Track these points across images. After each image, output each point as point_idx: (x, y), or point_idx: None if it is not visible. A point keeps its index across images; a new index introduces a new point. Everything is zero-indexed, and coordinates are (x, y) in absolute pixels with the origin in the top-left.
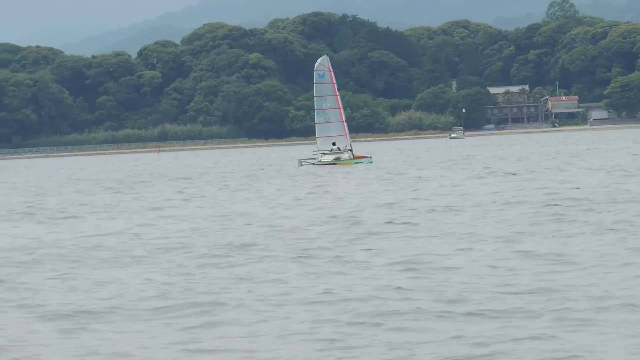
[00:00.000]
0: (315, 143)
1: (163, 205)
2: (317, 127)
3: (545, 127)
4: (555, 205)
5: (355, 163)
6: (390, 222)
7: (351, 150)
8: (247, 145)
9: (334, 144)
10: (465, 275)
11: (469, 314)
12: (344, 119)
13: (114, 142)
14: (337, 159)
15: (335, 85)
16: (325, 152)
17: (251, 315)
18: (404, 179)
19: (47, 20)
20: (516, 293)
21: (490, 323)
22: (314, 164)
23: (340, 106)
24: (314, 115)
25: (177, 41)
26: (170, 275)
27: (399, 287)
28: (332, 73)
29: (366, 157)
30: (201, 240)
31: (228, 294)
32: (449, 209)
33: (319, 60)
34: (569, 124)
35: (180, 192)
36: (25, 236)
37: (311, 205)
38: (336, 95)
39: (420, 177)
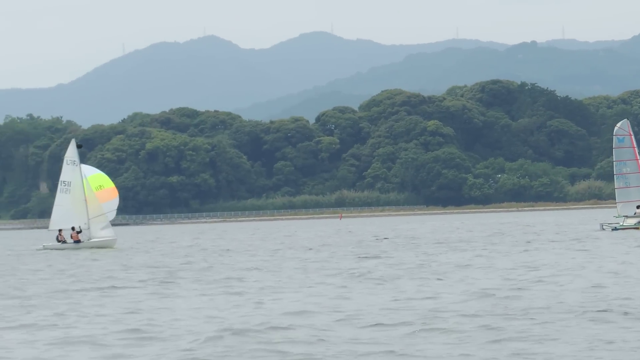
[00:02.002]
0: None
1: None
2: (616, 192)
3: None
4: None
5: None
6: None
7: None
8: (425, 212)
9: (638, 207)
10: None
11: None
12: None
13: (291, 208)
14: None
15: (637, 149)
16: (628, 216)
17: None
18: None
19: (217, 86)
20: None
21: None
22: (616, 228)
23: None
24: (492, 183)
25: (352, 107)
26: None
27: None
28: (633, 137)
29: None
30: None
31: None
32: None
33: (618, 125)
34: None
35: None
36: None
37: None
38: (637, 159)
39: None
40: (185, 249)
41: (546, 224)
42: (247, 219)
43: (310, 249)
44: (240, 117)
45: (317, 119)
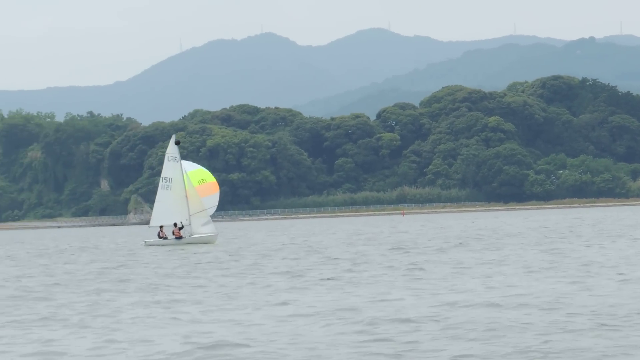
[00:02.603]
0: None
1: None
2: None
3: None
4: None
5: None
6: None
7: None
8: (486, 209)
9: None
10: None
11: None
12: None
13: (352, 205)
14: None
15: None
16: None
17: None
18: None
19: (275, 83)
20: None
21: None
22: None
23: None
24: (553, 179)
25: (411, 103)
26: None
27: None
28: None
29: None
30: None
31: None
32: None
33: None
34: None
35: None
36: None
37: None
38: None
39: None
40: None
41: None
42: (307, 215)
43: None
44: (300, 113)
45: (378, 116)
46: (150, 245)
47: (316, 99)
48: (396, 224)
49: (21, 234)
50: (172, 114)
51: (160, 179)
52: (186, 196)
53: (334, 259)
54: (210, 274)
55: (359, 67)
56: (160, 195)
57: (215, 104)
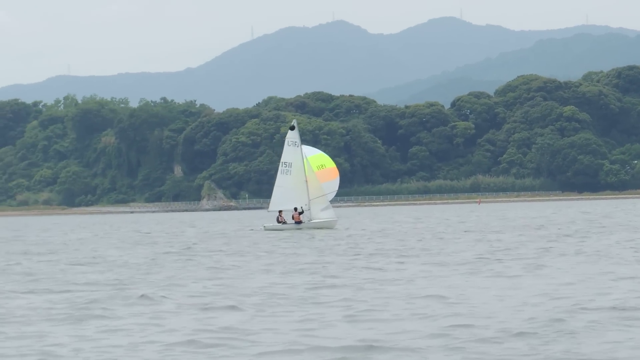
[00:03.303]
0: None
1: None
2: None
3: None
4: None
5: None
6: None
7: None
8: (560, 198)
9: None
10: None
11: None
12: None
13: (426, 193)
14: None
15: None
16: None
17: None
18: None
19: (346, 71)
20: None
21: None
22: None
23: None
24: (628, 169)
25: (486, 92)
26: None
27: None
28: None
29: None
30: None
31: None
32: None
33: None
34: None
35: None
36: None
37: None
38: None
39: None
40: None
41: None
42: (381, 203)
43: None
44: (375, 101)
45: (453, 104)
46: (269, 229)
47: (387, 87)
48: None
49: (114, 218)
50: (242, 101)
51: (280, 163)
52: (306, 181)
53: None
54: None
55: (430, 56)
56: (280, 180)
57: (284, 91)
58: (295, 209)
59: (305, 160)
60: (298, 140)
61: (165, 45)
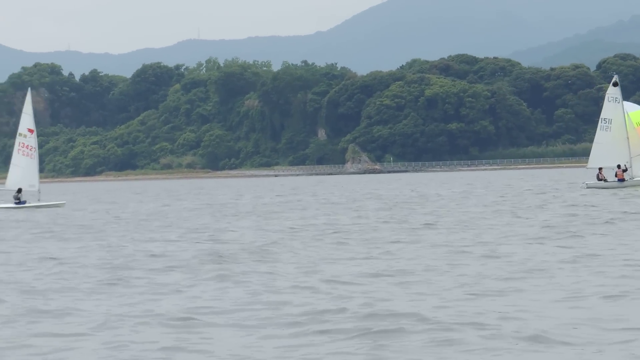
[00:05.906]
0: None
1: None
2: None
3: None
4: None
5: None
6: None
7: None
8: None
9: None
10: None
11: None
12: None
13: (572, 156)
14: None
15: None
16: None
17: None
18: None
19: (476, 33)
20: None
21: None
22: None
23: None
24: None
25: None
26: None
27: None
28: None
29: None
30: None
31: None
32: None
33: None
34: None
35: None
36: None
37: None
38: None
39: None
40: None
41: None
42: (527, 166)
43: None
44: (519, 63)
45: (598, 66)
46: (590, 187)
47: (519, 50)
48: None
49: (263, 182)
50: (377, 64)
51: (600, 119)
52: (627, 138)
53: None
54: None
55: (560, 17)
56: (599, 136)
57: (414, 54)
58: (619, 166)
59: (626, 116)
60: (619, 97)
61: (295, 9)
